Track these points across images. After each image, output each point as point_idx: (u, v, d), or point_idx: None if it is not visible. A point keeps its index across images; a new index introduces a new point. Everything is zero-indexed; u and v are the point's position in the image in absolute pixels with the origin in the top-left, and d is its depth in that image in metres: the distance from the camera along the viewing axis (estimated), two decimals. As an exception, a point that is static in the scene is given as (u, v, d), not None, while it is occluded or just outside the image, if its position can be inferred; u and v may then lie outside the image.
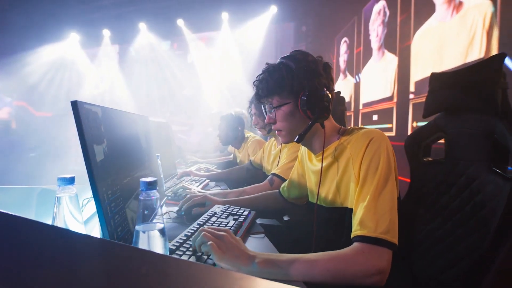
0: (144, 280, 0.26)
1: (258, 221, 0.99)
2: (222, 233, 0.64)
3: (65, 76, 5.29)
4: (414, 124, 2.28)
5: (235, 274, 0.29)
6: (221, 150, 3.30)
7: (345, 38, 3.90)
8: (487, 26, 1.61)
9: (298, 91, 0.80)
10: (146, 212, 0.49)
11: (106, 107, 0.68)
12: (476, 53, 1.69)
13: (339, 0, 3.96)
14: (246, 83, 4.06)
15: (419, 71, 2.24)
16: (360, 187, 0.70)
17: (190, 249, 0.67)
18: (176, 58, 5.26)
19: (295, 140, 0.83)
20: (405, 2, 2.43)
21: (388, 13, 2.74)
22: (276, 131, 0.89)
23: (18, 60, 4.83)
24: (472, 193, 0.72)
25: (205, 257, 0.64)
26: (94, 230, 0.83)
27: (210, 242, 0.61)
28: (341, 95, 1.35)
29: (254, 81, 0.88)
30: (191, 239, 0.72)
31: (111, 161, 0.65)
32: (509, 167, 0.67)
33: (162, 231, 0.51)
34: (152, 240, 0.49)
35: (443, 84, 0.85)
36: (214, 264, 0.60)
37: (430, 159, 0.90)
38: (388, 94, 2.70)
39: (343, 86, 3.92)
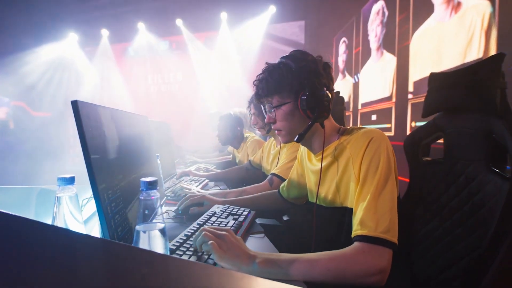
0: (145, 280, 0.26)
1: (258, 221, 0.99)
2: (223, 232, 0.64)
3: (63, 76, 5.27)
4: (413, 124, 2.29)
5: (236, 273, 0.28)
6: (220, 150, 3.30)
7: (344, 38, 3.90)
8: (486, 26, 1.61)
9: (298, 91, 0.80)
10: (146, 212, 0.49)
11: (106, 107, 0.68)
12: (475, 53, 1.69)
13: (338, 0, 3.97)
14: (245, 83, 4.06)
15: (418, 71, 2.25)
16: (360, 186, 0.70)
17: (191, 249, 0.67)
18: (175, 57, 5.25)
19: (295, 139, 0.83)
20: (403, 3, 2.44)
21: (386, 13, 2.74)
22: (276, 131, 0.89)
23: (16, 60, 4.80)
24: (471, 192, 0.72)
25: (206, 256, 0.64)
26: (94, 230, 0.83)
27: (211, 241, 0.61)
28: (340, 95, 1.35)
29: (254, 81, 0.88)
30: (191, 239, 0.72)
31: (111, 161, 0.65)
32: (508, 167, 0.67)
33: (162, 231, 0.50)
34: (152, 240, 0.49)
35: (442, 84, 0.85)
36: (214, 264, 0.60)
37: (429, 158, 0.90)
38: (387, 94, 2.71)
39: (342, 86, 3.92)
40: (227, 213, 0.94)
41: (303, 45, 4.65)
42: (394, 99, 2.59)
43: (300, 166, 1.05)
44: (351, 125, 3.24)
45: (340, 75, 4.04)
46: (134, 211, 0.72)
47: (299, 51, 0.84)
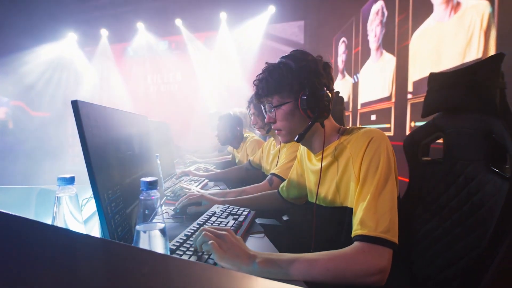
0: (145, 280, 0.26)
1: (258, 220, 0.99)
2: (223, 232, 0.64)
3: (62, 76, 5.26)
4: (412, 124, 2.29)
5: (236, 273, 0.28)
6: (220, 150, 3.30)
7: (343, 38, 3.90)
8: (485, 26, 1.62)
9: (298, 91, 0.80)
10: (146, 211, 0.49)
11: (106, 107, 0.68)
12: (474, 53, 1.69)
13: (337, 0, 3.97)
14: (245, 83, 4.06)
15: (417, 71, 2.25)
16: (360, 186, 0.70)
17: (191, 249, 0.67)
18: (174, 57, 5.24)
19: (295, 139, 0.83)
20: (403, 3, 2.44)
21: (386, 13, 2.75)
22: (276, 131, 0.89)
23: (15, 60, 4.79)
24: (470, 192, 0.72)
25: (206, 256, 0.64)
26: (94, 230, 0.83)
27: (211, 241, 0.61)
28: (340, 95, 1.35)
29: (254, 81, 0.88)
30: (191, 238, 0.72)
31: (111, 161, 0.65)
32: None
33: (162, 231, 0.50)
34: (152, 240, 0.49)
35: (441, 84, 0.85)
36: (215, 264, 0.60)
37: (428, 158, 0.90)
38: (386, 94, 2.71)
39: (342, 86, 3.92)
40: (227, 213, 0.94)
41: (302, 45, 4.65)
42: (393, 99, 2.60)
43: (299, 166, 1.05)
44: (350, 125, 3.24)
45: (339, 75, 4.04)
46: (134, 211, 0.72)
47: (299, 51, 0.84)
